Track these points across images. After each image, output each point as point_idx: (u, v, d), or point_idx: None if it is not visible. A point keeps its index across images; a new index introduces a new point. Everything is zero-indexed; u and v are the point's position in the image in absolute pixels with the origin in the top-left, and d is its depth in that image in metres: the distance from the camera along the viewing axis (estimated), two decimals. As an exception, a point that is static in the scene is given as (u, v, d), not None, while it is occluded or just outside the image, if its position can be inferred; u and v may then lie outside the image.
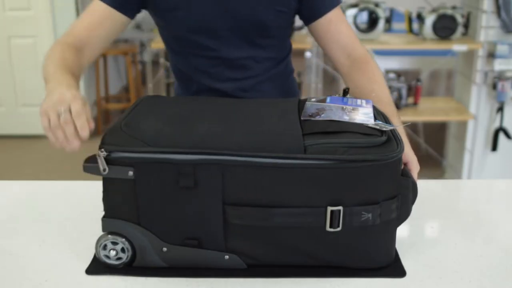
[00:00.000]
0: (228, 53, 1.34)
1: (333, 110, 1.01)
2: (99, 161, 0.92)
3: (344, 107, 1.03)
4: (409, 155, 1.09)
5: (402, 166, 1.00)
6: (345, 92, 1.12)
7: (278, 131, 0.94)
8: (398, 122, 1.15)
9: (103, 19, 1.27)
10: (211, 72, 1.37)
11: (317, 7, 1.33)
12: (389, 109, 1.18)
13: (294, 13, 1.35)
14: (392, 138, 0.95)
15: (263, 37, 1.34)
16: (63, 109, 0.97)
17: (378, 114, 1.03)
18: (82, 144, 0.95)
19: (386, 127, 0.95)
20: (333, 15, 1.33)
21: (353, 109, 1.02)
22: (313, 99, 1.08)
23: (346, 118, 0.98)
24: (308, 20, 1.35)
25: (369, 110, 1.02)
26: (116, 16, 1.28)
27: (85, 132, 0.94)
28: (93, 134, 1.00)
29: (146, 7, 1.34)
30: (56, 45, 1.22)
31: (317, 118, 0.98)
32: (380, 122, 0.97)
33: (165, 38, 1.40)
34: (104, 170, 0.92)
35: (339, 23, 1.34)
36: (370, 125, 0.95)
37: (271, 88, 1.41)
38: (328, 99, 1.07)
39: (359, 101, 1.07)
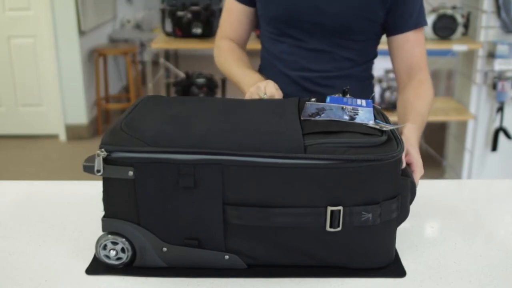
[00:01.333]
0: (307, 44, 1.38)
1: (333, 110, 1.01)
2: (95, 161, 0.92)
3: (344, 107, 1.03)
4: (415, 157, 1.09)
5: (404, 165, 1.01)
6: (345, 92, 1.13)
7: (278, 131, 0.94)
8: (413, 127, 1.19)
9: (239, 16, 1.48)
10: (288, 59, 1.42)
11: (400, 23, 1.36)
12: (416, 117, 1.24)
13: (381, 23, 1.37)
14: (392, 138, 0.95)
15: (344, 39, 1.37)
16: (262, 91, 1.22)
17: (378, 114, 1.03)
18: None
19: (386, 127, 0.95)
20: (412, 36, 1.36)
21: (353, 109, 1.02)
22: (313, 99, 1.08)
23: (346, 118, 0.98)
24: (388, 32, 1.39)
25: (369, 110, 1.02)
26: (246, 10, 1.47)
27: None
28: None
29: None
30: (222, 47, 1.50)
31: (317, 118, 0.98)
32: (380, 122, 0.97)
33: (259, 23, 1.49)
34: (98, 171, 0.92)
35: (415, 46, 1.37)
36: (370, 125, 0.95)
37: (341, 86, 1.42)
38: (328, 99, 1.07)
39: (359, 101, 1.07)
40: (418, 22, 1.36)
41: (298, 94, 1.39)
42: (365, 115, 0.99)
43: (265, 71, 1.50)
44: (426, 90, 1.34)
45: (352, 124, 0.96)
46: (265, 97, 1.20)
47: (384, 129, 0.95)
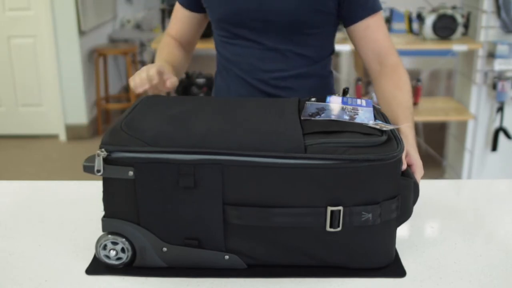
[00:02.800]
0: (259, 44, 1.36)
1: (333, 110, 1.01)
2: (96, 161, 0.92)
3: (344, 107, 1.03)
4: (415, 158, 1.09)
5: (405, 167, 1.01)
6: (345, 92, 1.12)
7: (278, 131, 0.94)
8: (408, 126, 1.17)
9: (183, 19, 1.48)
10: (242, 61, 1.39)
11: (355, 12, 1.33)
12: (405, 112, 1.21)
13: (335, 14, 1.35)
14: (392, 137, 0.95)
15: (297, 35, 1.34)
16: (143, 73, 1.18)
17: (378, 114, 1.03)
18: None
19: (386, 127, 0.95)
20: (372, 21, 1.34)
21: (353, 109, 1.02)
22: (313, 99, 1.08)
23: (346, 118, 0.98)
24: (346, 23, 1.36)
25: (369, 110, 1.02)
26: (190, 15, 1.46)
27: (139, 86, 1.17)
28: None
29: None
30: (162, 42, 1.49)
31: (317, 118, 0.98)
32: (380, 122, 0.97)
33: (212, 26, 1.47)
34: (99, 171, 0.92)
35: (376, 30, 1.35)
36: (370, 125, 0.95)
37: (300, 87, 1.40)
38: (328, 99, 1.07)
39: (359, 101, 1.07)
40: (374, 7, 1.34)
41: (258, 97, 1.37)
42: (365, 115, 0.99)
43: (221, 76, 1.48)
44: (402, 77, 1.31)
45: (352, 124, 0.96)
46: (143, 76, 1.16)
47: (384, 129, 0.95)
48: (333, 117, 0.98)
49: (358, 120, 0.97)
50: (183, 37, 1.50)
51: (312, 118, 0.98)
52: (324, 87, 1.47)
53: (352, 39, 1.38)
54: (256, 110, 1.03)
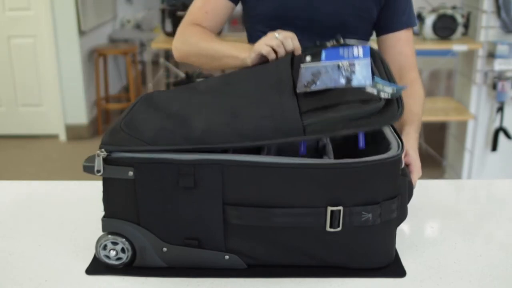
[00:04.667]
0: (301, 43, 1.35)
1: (329, 72, 0.97)
2: (96, 161, 0.92)
3: (340, 64, 0.99)
4: (413, 158, 1.09)
5: (403, 165, 1.00)
6: (338, 40, 1.11)
7: (276, 113, 0.93)
8: (413, 132, 1.19)
9: (218, 10, 1.39)
10: None
11: (391, 22, 1.36)
12: (413, 117, 1.23)
13: (374, 22, 1.37)
14: (392, 101, 0.92)
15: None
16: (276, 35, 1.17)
17: (377, 62, 1.01)
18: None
19: (385, 90, 0.91)
20: (404, 35, 1.37)
21: (349, 65, 0.98)
22: (308, 58, 1.04)
23: (342, 81, 0.94)
24: (379, 31, 1.39)
25: (366, 63, 0.97)
26: (227, 5, 1.39)
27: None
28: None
29: None
30: (192, 30, 1.36)
31: (313, 87, 0.95)
32: (379, 80, 0.92)
33: (247, 23, 1.44)
34: (99, 171, 0.92)
35: (405, 45, 1.37)
36: (368, 89, 0.91)
37: None
38: (323, 55, 1.03)
39: (355, 51, 1.02)
40: (409, 21, 1.37)
41: None
42: (362, 73, 0.95)
43: None
44: (418, 90, 1.34)
45: (349, 91, 0.93)
46: (279, 37, 1.16)
47: (382, 96, 0.90)
48: (329, 84, 0.94)
49: (355, 81, 0.93)
50: (213, 28, 1.41)
51: (308, 90, 0.95)
52: None
53: (380, 46, 1.41)
54: (253, 91, 1.01)
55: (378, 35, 1.40)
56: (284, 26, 1.37)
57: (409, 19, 1.37)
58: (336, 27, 1.34)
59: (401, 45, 1.37)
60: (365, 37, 1.42)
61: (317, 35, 1.36)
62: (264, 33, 1.40)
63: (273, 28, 1.38)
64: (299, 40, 1.37)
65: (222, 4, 1.41)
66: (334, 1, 1.32)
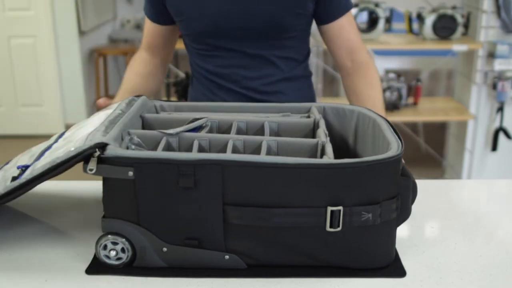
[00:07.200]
0: (241, 53, 1.34)
1: None
2: (91, 160, 0.92)
3: None
4: None
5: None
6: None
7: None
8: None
9: (154, 32, 1.49)
10: (226, 73, 1.37)
11: (331, 11, 1.35)
12: (380, 113, 1.25)
13: (312, 15, 1.36)
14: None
15: (278, 39, 1.34)
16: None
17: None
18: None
19: None
20: (345, 20, 1.36)
21: None
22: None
23: None
24: (320, 22, 1.37)
25: None
26: (160, 28, 1.47)
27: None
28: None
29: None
30: (133, 58, 1.55)
31: None
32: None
33: (184, 39, 1.44)
34: (91, 169, 0.92)
35: (349, 29, 1.37)
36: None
37: (288, 90, 1.41)
38: None
39: None
40: (347, 5, 1.36)
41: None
42: None
43: (203, 86, 1.44)
44: (374, 76, 1.36)
45: None
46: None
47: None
48: None
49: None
50: (156, 48, 1.51)
51: None
52: (309, 87, 1.49)
53: (325, 36, 1.40)
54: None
55: (320, 25, 1.38)
56: (220, 40, 1.34)
57: (347, 3, 1.36)
58: (274, 28, 1.31)
59: (346, 31, 1.36)
60: (304, 35, 1.40)
61: (257, 40, 1.33)
62: (201, 50, 1.38)
63: (209, 45, 1.35)
64: (236, 51, 1.35)
65: (155, 27, 1.47)
66: (268, 3, 1.29)
